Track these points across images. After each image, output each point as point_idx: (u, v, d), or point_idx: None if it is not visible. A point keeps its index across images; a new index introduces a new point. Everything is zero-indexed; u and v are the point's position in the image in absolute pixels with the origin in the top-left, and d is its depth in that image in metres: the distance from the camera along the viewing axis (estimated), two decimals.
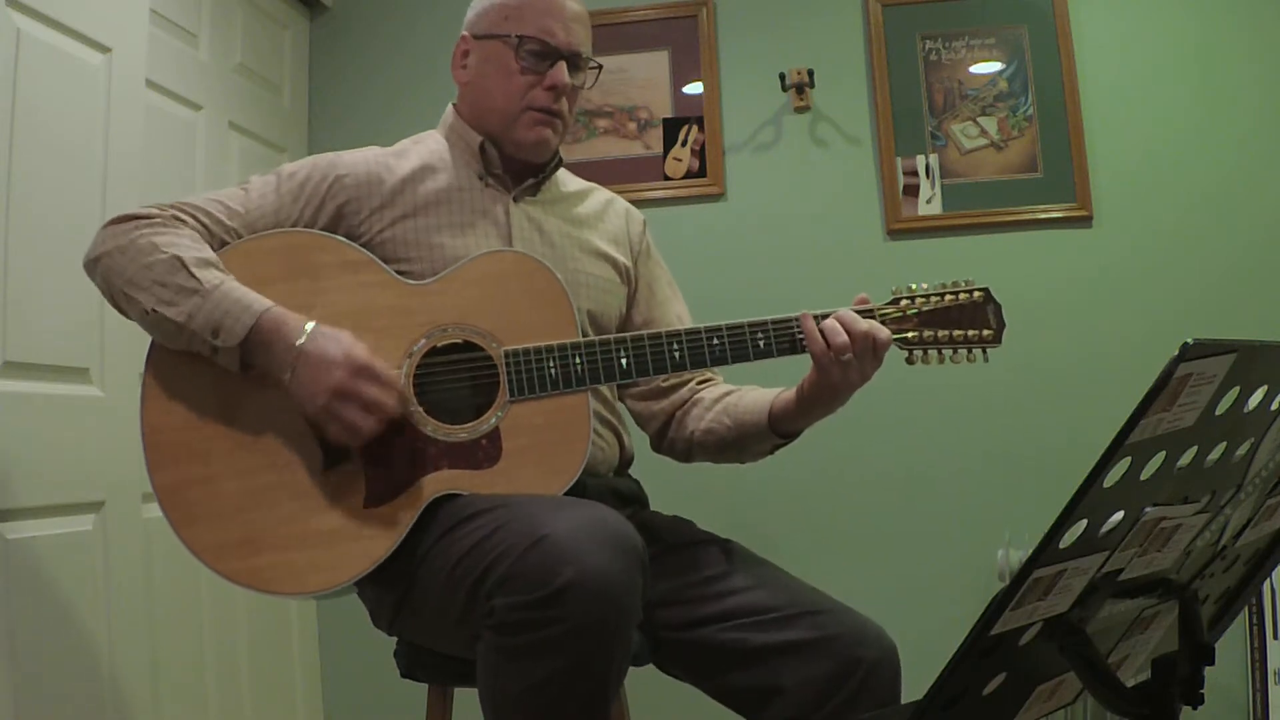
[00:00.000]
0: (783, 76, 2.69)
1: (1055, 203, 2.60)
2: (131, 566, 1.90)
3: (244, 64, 2.59)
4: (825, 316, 1.30)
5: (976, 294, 1.33)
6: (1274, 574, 2.23)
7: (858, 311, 1.31)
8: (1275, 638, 2.30)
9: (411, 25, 2.90)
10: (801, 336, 1.30)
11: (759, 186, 2.73)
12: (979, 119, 2.65)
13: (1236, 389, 0.73)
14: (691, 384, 1.54)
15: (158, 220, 1.29)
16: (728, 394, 1.49)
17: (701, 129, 2.74)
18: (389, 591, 1.30)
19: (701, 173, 2.73)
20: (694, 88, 2.77)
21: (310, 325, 1.24)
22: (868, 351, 1.28)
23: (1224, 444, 0.78)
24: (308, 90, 2.92)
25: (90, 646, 1.77)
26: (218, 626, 2.27)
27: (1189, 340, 0.65)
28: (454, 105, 1.51)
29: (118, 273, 1.27)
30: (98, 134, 1.87)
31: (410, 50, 2.89)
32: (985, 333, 1.33)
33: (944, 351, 1.33)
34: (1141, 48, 2.65)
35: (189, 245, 1.27)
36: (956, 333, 1.32)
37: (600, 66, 1.50)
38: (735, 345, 1.32)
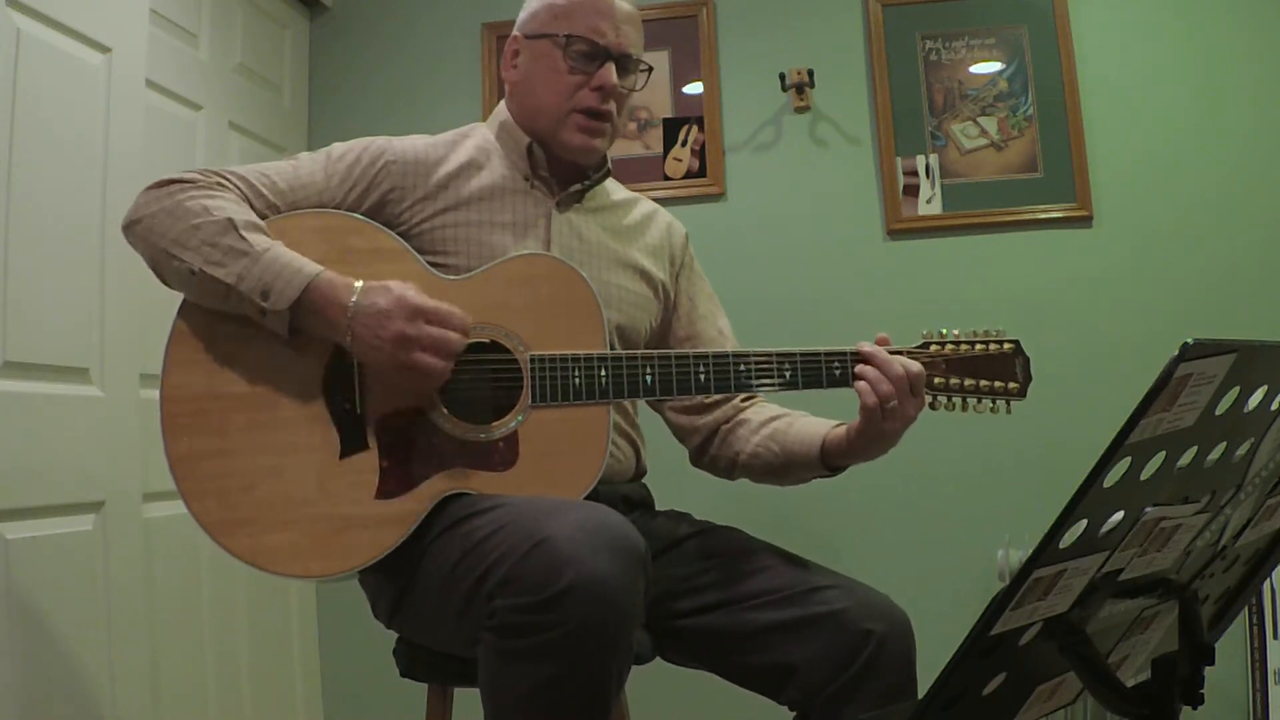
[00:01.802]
0: (783, 76, 2.69)
1: (1055, 203, 2.60)
2: (131, 566, 1.90)
3: (244, 64, 2.59)
4: (855, 355, 1.30)
5: (1007, 345, 1.33)
6: (1274, 574, 2.23)
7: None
8: (1275, 638, 2.30)
9: (411, 25, 2.90)
10: (838, 370, 1.31)
11: (759, 186, 2.73)
12: (979, 119, 2.65)
13: (1236, 389, 0.73)
14: (735, 401, 1.53)
15: (203, 184, 1.29)
16: (775, 418, 1.48)
17: (701, 129, 2.74)
18: (390, 584, 1.30)
19: (701, 173, 2.73)
20: (694, 88, 2.77)
21: (359, 284, 1.24)
22: (906, 392, 1.28)
23: (1224, 444, 0.78)
24: (308, 90, 2.92)
25: (90, 646, 1.77)
26: (218, 626, 2.27)
27: (1189, 340, 0.65)
28: (505, 103, 1.51)
29: (161, 234, 1.26)
30: (98, 134, 1.87)
31: (410, 50, 2.89)
32: (1011, 385, 1.33)
33: (968, 400, 1.33)
34: (1141, 48, 2.65)
35: (237, 209, 1.27)
36: (983, 383, 1.33)
37: (650, 69, 1.48)
38: (760, 373, 1.32)
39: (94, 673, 1.78)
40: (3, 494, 1.62)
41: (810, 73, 2.66)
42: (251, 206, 1.32)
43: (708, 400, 1.53)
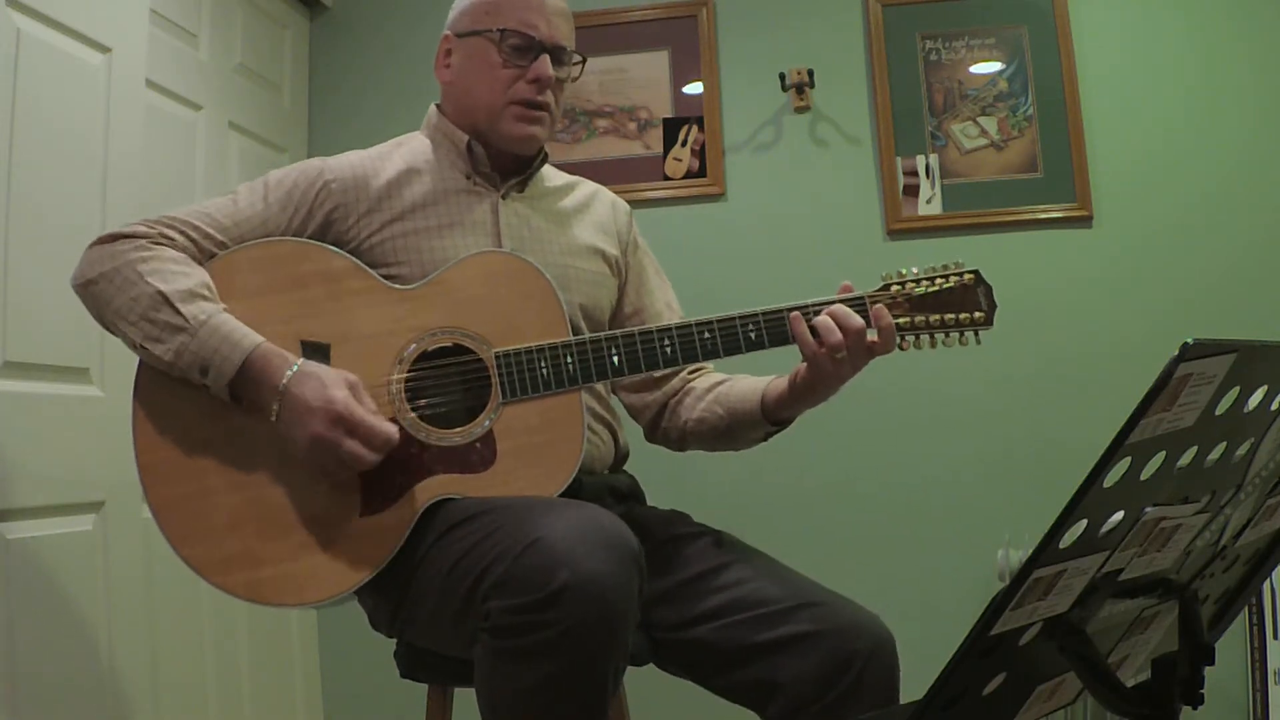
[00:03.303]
0: (783, 76, 2.69)
1: (1055, 203, 2.60)
2: (131, 566, 1.90)
3: (244, 64, 2.59)
4: (817, 311, 1.29)
5: (967, 276, 1.32)
6: (1274, 574, 2.23)
7: (848, 301, 1.30)
8: (1275, 638, 2.30)
9: (411, 26, 2.90)
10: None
11: (759, 186, 2.73)
12: (979, 119, 2.65)
13: (1236, 389, 0.73)
14: (683, 374, 1.54)
15: (143, 242, 1.28)
16: (720, 383, 1.49)
17: (701, 129, 2.74)
18: (387, 597, 1.30)
19: (701, 173, 2.73)
20: (694, 88, 2.77)
21: (296, 365, 1.23)
22: (860, 348, 1.27)
23: (1224, 444, 0.78)
24: (308, 90, 2.92)
25: (90, 646, 1.77)
26: (218, 626, 2.27)
27: (1189, 340, 0.65)
28: (437, 106, 1.52)
29: (105, 302, 1.27)
30: (98, 134, 1.87)
31: (410, 50, 2.89)
32: (977, 315, 1.31)
33: (936, 335, 1.32)
34: (1141, 47, 2.65)
35: (175, 273, 1.26)
36: (948, 316, 1.31)
37: (584, 60, 1.50)
38: (726, 338, 1.31)
39: (94, 673, 1.78)
40: (3, 494, 1.62)
41: (810, 73, 2.66)
42: (199, 249, 1.31)
43: (657, 376, 1.53)
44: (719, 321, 1.32)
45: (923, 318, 1.31)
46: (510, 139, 1.43)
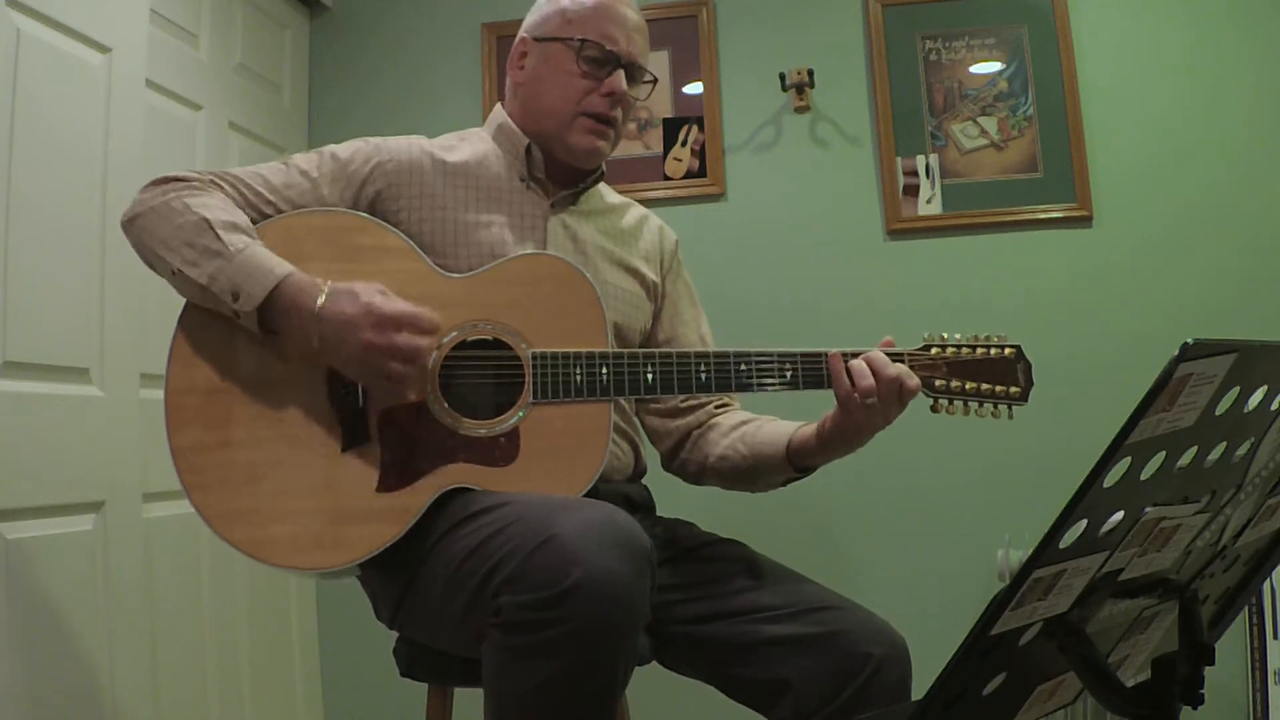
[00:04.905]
0: (783, 76, 2.69)
1: (1055, 203, 2.60)
2: (131, 566, 1.90)
3: (244, 64, 2.59)
4: (854, 356, 1.30)
5: (1008, 350, 1.34)
6: (1274, 574, 2.23)
7: (886, 354, 1.31)
8: (1275, 638, 2.30)
9: (411, 25, 2.90)
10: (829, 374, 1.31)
11: (759, 186, 2.73)
12: (979, 119, 2.65)
13: (1236, 389, 0.73)
14: (709, 407, 1.54)
15: (195, 184, 1.31)
16: (745, 422, 1.49)
17: (701, 129, 2.74)
18: (392, 581, 1.30)
19: (701, 173, 2.73)
20: (694, 88, 2.77)
21: (327, 287, 1.24)
22: (893, 396, 1.28)
23: (1224, 444, 0.78)
24: (308, 90, 2.92)
25: (90, 646, 1.77)
26: (218, 626, 2.27)
27: (1189, 340, 0.65)
28: (502, 105, 1.52)
29: (150, 232, 1.28)
30: (98, 134, 1.87)
31: (410, 50, 2.89)
32: (1013, 390, 1.33)
33: (970, 404, 1.33)
34: (1141, 47, 2.64)
35: (219, 208, 1.28)
36: (985, 386, 1.33)
37: (655, 80, 1.50)
38: (762, 373, 1.32)
39: (94, 673, 1.78)
40: (3, 494, 1.62)
41: (810, 73, 2.66)
42: (249, 205, 1.33)
43: (683, 404, 1.53)
44: (757, 355, 1.32)
45: (959, 383, 1.33)
46: (575, 150, 1.44)
